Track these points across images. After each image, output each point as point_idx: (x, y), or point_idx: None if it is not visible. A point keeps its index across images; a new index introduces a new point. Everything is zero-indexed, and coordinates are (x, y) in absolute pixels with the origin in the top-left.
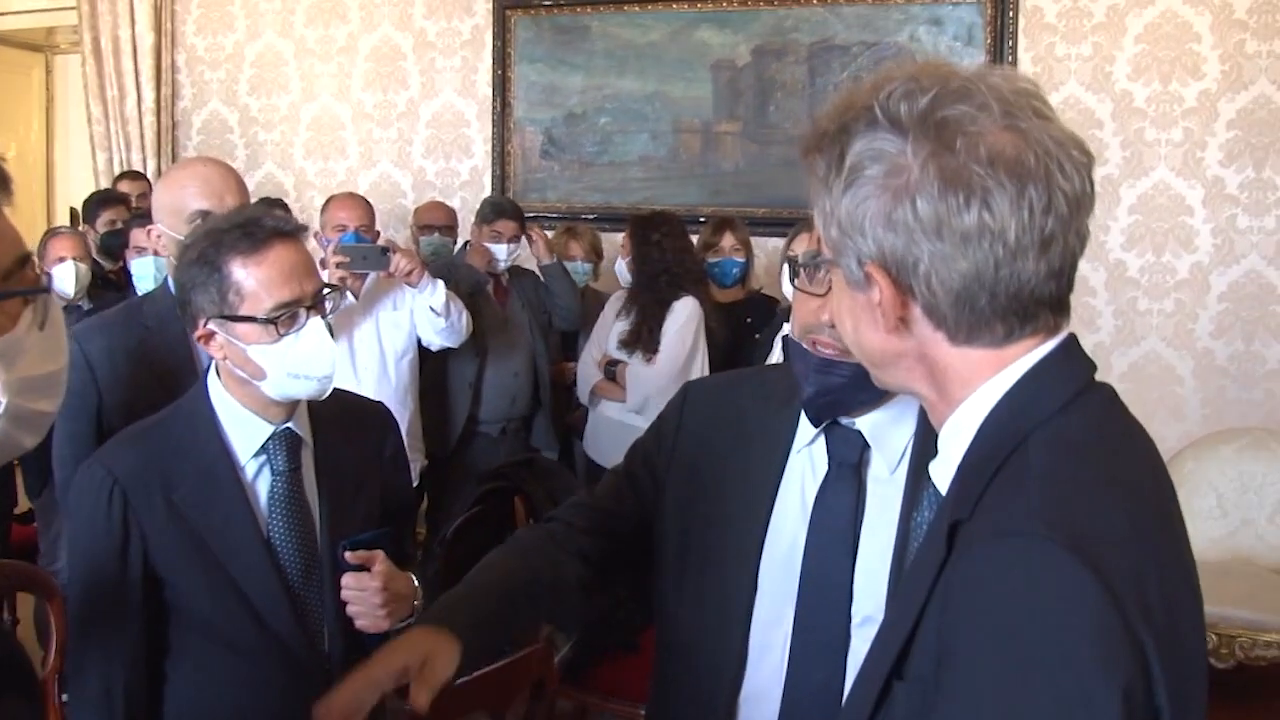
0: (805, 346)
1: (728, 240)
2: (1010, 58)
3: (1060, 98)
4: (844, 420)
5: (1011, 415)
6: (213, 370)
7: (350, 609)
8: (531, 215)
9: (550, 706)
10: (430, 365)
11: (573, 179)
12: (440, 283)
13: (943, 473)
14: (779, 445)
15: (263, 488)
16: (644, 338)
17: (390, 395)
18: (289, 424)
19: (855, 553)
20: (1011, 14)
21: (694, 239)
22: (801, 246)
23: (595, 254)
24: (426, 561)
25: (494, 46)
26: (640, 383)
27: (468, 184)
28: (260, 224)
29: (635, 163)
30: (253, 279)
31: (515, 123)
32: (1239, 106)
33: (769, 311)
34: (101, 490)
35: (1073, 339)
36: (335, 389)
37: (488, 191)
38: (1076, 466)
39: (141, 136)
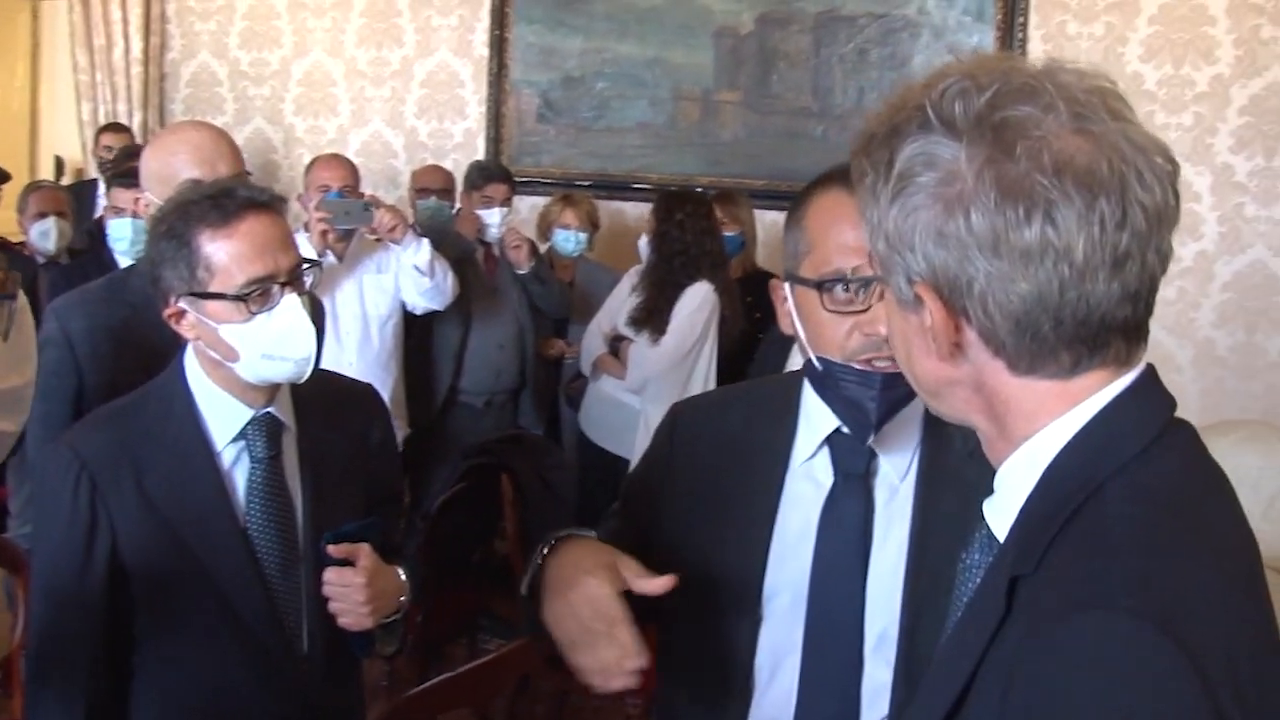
0: (861, 368)
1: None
2: (1021, 34)
3: None
4: (846, 429)
5: (1084, 459)
6: (188, 350)
7: (332, 605)
8: (525, 180)
9: (533, 699)
10: (414, 332)
11: (568, 144)
12: (425, 241)
13: (1000, 517)
14: (776, 462)
15: (240, 476)
16: (654, 318)
17: (373, 360)
18: (270, 408)
19: (866, 568)
20: None
21: None
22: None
23: (591, 224)
24: (409, 536)
25: (492, 5)
26: (643, 363)
27: (461, 146)
28: (232, 195)
29: (633, 129)
30: (223, 253)
31: (511, 85)
32: (1252, 93)
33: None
34: (68, 475)
35: (1151, 371)
36: (321, 369)
37: (481, 154)
38: (1161, 523)
39: (128, 88)
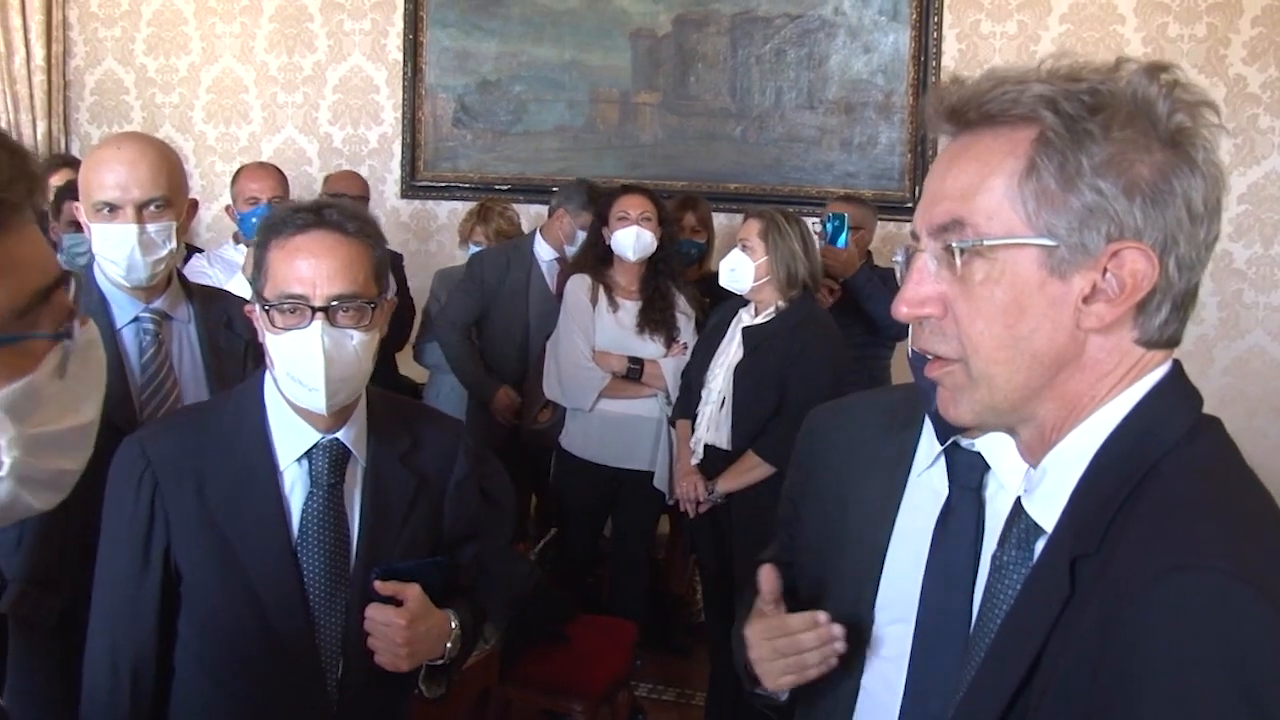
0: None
1: (689, 220)
2: (935, 33)
3: None
4: (964, 441)
5: (1138, 440)
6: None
7: (371, 642)
8: (442, 185)
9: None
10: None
11: (485, 148)
12: None
13: (1045, 506)
14: (898, 469)
15: (298, 498)
16: (665, 327)
17: None
18: (337, 434)
19: (975, 581)
20: None
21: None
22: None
23: (504, 239)
24: None
25: (405, 9)
26: (677, 376)
27: (376, 152)
28: (318, 212)
29: (551, 133)
30: (279, 262)
31: (426, 89)
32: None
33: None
34: (133, 471)
35: (1180, 365)
36: (418, 402)
37: (398, 160)
38: (1225, 498)
39: (31, 96)
